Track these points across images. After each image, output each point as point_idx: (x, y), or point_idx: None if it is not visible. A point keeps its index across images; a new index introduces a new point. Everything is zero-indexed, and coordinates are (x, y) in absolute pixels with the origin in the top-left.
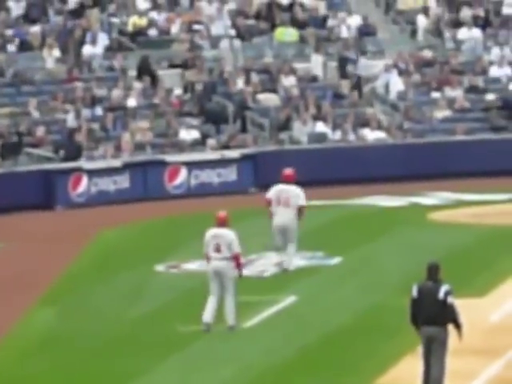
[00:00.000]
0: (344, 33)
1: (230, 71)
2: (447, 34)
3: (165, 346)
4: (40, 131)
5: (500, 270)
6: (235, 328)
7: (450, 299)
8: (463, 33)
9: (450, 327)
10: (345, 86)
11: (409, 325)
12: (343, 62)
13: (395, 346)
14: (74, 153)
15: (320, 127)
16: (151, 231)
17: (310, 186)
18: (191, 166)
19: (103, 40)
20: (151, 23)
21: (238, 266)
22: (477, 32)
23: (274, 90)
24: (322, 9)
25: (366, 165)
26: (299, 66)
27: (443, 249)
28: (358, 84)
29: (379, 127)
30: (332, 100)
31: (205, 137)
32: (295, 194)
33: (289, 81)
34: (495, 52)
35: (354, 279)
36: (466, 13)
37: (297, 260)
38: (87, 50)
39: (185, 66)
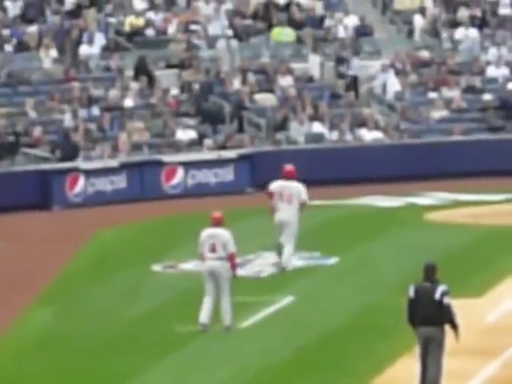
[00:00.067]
0: (341, 33)
1: (227, 71)
2: (444, 34)
3: (162, 346)
4: (37, 131)
5: (497, 271)
6: (232, 328)
7: (446, 300)
8: (460, 33)
9: (447, 327)
10: (342, 86)
11: (406, 325)
12: (340, 63)
13: (392, 347)
14: (71, 153)
15: (317, 127)
16: (148, 231)
17: (307, 186)
18: (188, 166)
19: (100, 40)
20: (148, 23)
21: (233, 266)
22: (474, 32)
23: (270, 90)
24: (319, 9)
25: (363, 165)
26: (296, 66)
27: (440, 249)
28: (352, 84)
29: (376, 127)
30: (329, 100)
31: (202, 137)
32: (298, 190)
33: (286, 81)
34: (492, 52)
35: (351, 279)
36: (462, 13)
37: (294, 260)
38: (84, 50)
39: (182, 66)
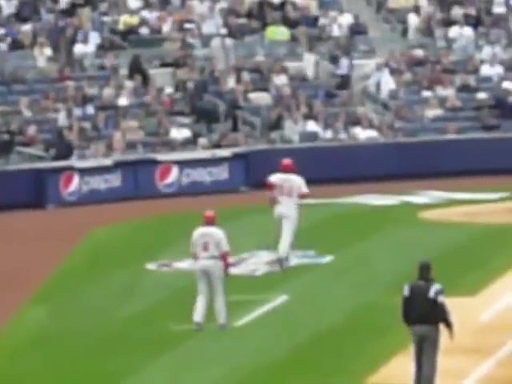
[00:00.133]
0: (335, 32)
1: (222, 70)
2: (438, 32)
3: (156, 345)
4: (31, 130)
5: (491, 269)
6: (226, 327)
7: (440, 298)
8: (454, 32)
9: (441, 326)
10: (334, 85)
11: (400, 323)
12: (335, 61)
13: (386, 345)
14: (65, 152)
15: (311, 126)
16: (142, 230)
17: None
18: (182, 164)
19: (95, 39)
20: (143, 22)
21: (226, 265)
22: (468, 31)
23: (265, 89)
24: (314, 8)
25: (357, 164)
26: (291, 64)
27: (434, 248)
28: (344, 83)
29: (370, 126)
30: (323, 99)
31: (196, 136)
32: (298, 183)
33: (280, 80)
34: (487, 51)
35: (346, 278)
36: (457, 11)
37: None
38: (79, 48)
39: (176, 64)
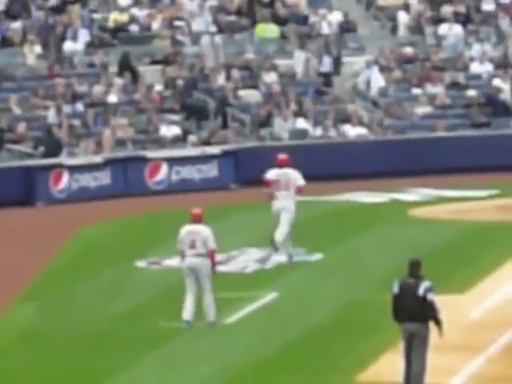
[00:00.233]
0: (325, 29)
1: (211, 67)
2: (428, 30)
3: (146, 343)
4: (21, 127)
5: (481, 267)
6: (216, 324)
7: (429, 296)
8: (444, 29)
9: (431, 324)
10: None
11: (390, 321)
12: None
13: (376, 343)
14: (54, 149)
15: (301, 123)
16: (132, 227)
17: None
18: (172, 162)
19: (84, 36)
20: (132, 19)
21: (213, 262)
22: (458, 28)
23: (255, 87)
24: (303, 5)
25: (347, 161)
26: (280, 62)
27: (424, 245)
28: (328, 81)
29: (360, 123)
30: (313, 96)
31: (186, 133)
32: (294, 176)
33: (270, 77)
34: (476, 48)
35: (336, 275)
36: (446, 9)
37: (279, 256)
38: (68, 46)
39: (166, 62)
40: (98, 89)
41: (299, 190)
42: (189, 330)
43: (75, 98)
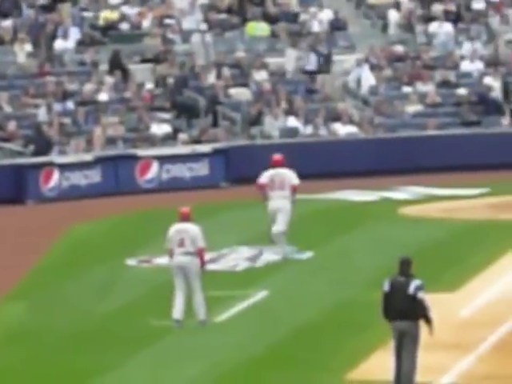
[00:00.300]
0: (315, 27)
1: (202, 65)
2: (419, 28)
3: (136, 341)
4: (11, 125)
5: (471, 265)
6: (207, 322)
7: (419, 294)
8: (434, 27)
9: (422, 322)
10: (316, 80)
11: (380, 319)
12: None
13: (366, 341)
14: (44, 147)
15: (291, 122)
16: (123, 225)
17: None
18: (163, 160)
19: (75, 34)
20: (123, 17)
21: (202, 261)
22: (448, 27)
23: (245, 85)
24: (294, 3)
25: (337, 159)
26: (271, 60)
27: (415, 243)
28: (313, 79)
29: (351, 122)
30: (304, 95)
31: (176, 131)
32: (289, 176)
33: (260, 75)
34: (467, 47)
35: (326, 274)
36: (437, 7)
37: (269, 254)
38: (59, 44)
39: (156, 60)
40: (88, 87)
41: (294, 190)
42: (179, 328)
43: (66, 96)
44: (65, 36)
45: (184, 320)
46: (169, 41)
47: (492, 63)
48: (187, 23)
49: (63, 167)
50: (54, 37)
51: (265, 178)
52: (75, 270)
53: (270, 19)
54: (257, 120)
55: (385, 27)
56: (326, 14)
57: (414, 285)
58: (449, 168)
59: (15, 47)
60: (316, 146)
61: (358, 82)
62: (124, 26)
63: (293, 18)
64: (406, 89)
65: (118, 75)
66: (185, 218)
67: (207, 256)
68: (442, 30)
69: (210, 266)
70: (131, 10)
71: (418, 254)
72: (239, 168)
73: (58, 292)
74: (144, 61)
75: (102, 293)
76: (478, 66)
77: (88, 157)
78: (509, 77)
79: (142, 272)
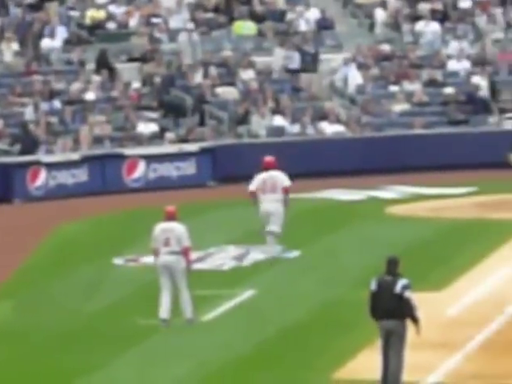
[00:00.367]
0: (302, 26)
1: (189, 64)
2: (405, 27)
3: (123, 340)
4: None
5: (458, 264)
6: (194, 321)
7: (406, 293)
8: (421, 26)
9: (408, 321)
10: (303, 79)
11: (367, 318)
12: (302, 56)
13: (353, 340)
14: (30, 146)
15: (278, 121)
16: (110, 224)
17: None
18: (150, 159)
19: (62, 33)
20: (110, 16)
21: (188, 260)
22: (435, 26)
23: (232, 84)
24: (281, 2)
25: (324, 158)
26: (258, 59)
27: (402, 242)
28: (296, 78)
29: (338, 121)
30: (290, 93)
31: (163, 130)
32: (280, 178)
33: (247, 74)
34: (453, 46)
35: (313, 273)
36: (423, 6)
37: (256, 254)
38: (46, 43)
39: (143, 59)
40: (75, 86)
41: (286, 191)
42: (166, 327)
43: (53, 95)
44: (52, 35)
45: (171, 319)
46: (156, 40)
47: (479, 62)
48: (174, 22)
49: (50, 166)
50: (40, 36)
51: (256, 183)
52: (62, 269)
53: (257, 18)
54: (244, 119)
55: (372, 26)
56: (313, 13)
57: (400, 284)
58: (436, 167)
59: (2, 46)
60: (303, 145)
61: (345, 81)
62: (111, 25)
63: (280, 16)
64: (393, 88)
65: (104, 74)
66: (170, 217)
67: (194, 255)
68: (429, 29)
69: (197, 265)
70: (118, 9)
71: (405, 253)
72: (226, 167)
73: (45, 291)
74: (131, 60)
75: (89, 292)
76: (465, 65)
77: (75, 156)
78: (496, 76)
79: (129, 271)
